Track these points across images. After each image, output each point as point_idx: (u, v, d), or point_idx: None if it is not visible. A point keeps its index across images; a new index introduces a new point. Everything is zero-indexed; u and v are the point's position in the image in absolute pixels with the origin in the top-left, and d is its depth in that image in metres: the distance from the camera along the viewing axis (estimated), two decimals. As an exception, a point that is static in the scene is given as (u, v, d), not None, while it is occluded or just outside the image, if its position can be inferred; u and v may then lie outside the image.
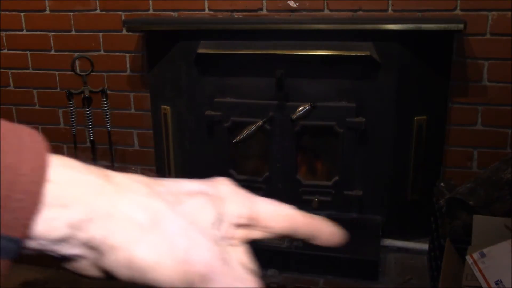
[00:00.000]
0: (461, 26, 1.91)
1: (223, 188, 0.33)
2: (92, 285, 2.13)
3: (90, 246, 0.28)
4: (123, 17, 2.39)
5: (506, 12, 2.02)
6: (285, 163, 2.23)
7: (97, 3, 2.42)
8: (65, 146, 2.71)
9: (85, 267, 0.29)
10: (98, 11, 2.43)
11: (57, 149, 2.91)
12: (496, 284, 1.44)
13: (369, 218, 2.20)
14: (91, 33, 2.47)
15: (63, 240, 0.27)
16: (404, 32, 1.97)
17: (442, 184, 2.01)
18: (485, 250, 1.51)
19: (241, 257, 0.32)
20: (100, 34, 2.46)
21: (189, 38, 2.18)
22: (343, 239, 0.37)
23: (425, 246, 2.17)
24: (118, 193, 0.28)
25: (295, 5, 2.20)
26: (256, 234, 0.34)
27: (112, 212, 0.27)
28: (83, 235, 0.27)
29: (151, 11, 2.35)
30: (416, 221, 2.25)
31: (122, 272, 0.28)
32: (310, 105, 1.99)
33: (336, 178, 2.21)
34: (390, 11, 2.12)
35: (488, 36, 2.07)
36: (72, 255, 0.28)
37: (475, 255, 1.51)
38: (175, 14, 2.34)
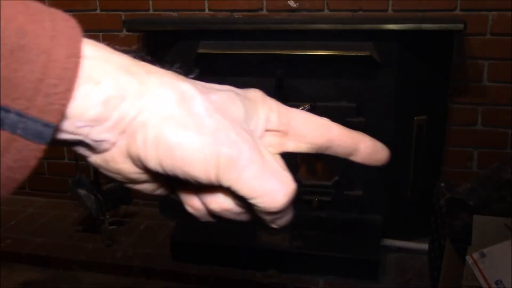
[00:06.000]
0: (461, 26, 1.91)
1: (253, 93, 0.32)
2: (92, 285, 2.13)
3: (121, 129, 0.27)
4: (123, 17, 2.39)
5: (506, 12, 2.02)
6: (285, 163, 2.23)
7: (97, 3, 2.42)
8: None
9: (116, 157, 0.29)
10: (98, 11, 2.43)
11: (57, 150, 2.89)
12: (496, 284, 1.44)
13: (369, 218, 2.20)
14: (91, 33, 2.45)
15: (96, 120, 0.27)
16: (404, 32, 1.97)
17: (442, 184, 2.01)
18: (485, 250, 1.51)
19: (278, 160, 0.30)
20: (100, 34, 2.46)
21: (189, 38, 2.18)
22: (387, 157, 0.34)
23: (425, 246, 2.17)
24: (147, 73, 0.28)
25: (295, 5, 2.20)
26: (289, 144, 0.33)
27: (142, 90, 0.27)
28: (116, 113, 0.27)
29: (151, 11, 2.35)
30: (416, 221, 2.25)
31: (150, 154, 0.27)
32: (310, 105, 1.99)
33: (336, 178, 2.21)
34: (390, 11, 2.12)
35: (488, 36, 2.07)
36: (104, 140, 0.28)
37: (475, 255, 1.51)
38: (175, 14, 2.34)
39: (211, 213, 0.31)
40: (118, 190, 2.42)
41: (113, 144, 0.28)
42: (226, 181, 0.27)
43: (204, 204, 0.30)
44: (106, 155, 0.29)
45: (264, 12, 2.24)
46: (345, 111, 2.09)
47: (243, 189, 0.27)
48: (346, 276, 2.02)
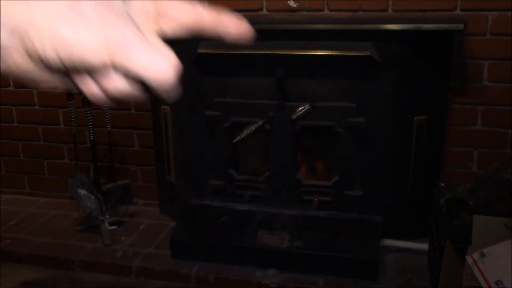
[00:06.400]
0: (461, 26, 1.91)
1: None
2: (92, 285, 2.12)
3: (16, 33, 0.30)
4: (123, 17, 2.39)
5: (506, 12, 2.02)
6: (285, 163, 2.23)
7: (97, 3, 2.41)
8: (65, 146, 2.71)
9: (17, 60, 0.31)
10: (98, 11, 2.43)
11: (57, 150, 2.89)
12: (496, 284, 1.44)
13: (369, 218, 2.20)
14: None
15: None
16: (404, 32, 1.97)
17: (442, 184, 2.01)
18: (485, 250, 1.51)
19: (159, 40, 0.34)
20: (100, 34, 2.46)
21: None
22: (251, 34, 0.39)
23: (425, 246, 2.17)
24: None
25: (295, 5, 2.20)
26: (165, 27, 0.37)
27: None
28: (7, 19, 0.30)
29: (151, 11, 2.35)
30: (416, 221, 2.25)
31: (50, 55, 0.30)
32: (310, 105, 1.99)
33: (336, 178, 2.20)
34: (390, 11, 2.12)
35: (488, 36, 2.07)
36: (3, 45, 0.30)
37: (475, 255, 1.51)
38: (175, 14, 2.33)
39: (108, 96, 0.34)
40: (118, 190, 2.42)
41: (12, 48, 0.31)
42: (119, 64, 0.31)
43: (101, 88, 0.33)
44: (8, 60, 0.32)
45: (264, 12, 2.24)
46: (345, 111, 2.09)
47: (135, 69, 0.31)
48: (346, 276, 2.02)
